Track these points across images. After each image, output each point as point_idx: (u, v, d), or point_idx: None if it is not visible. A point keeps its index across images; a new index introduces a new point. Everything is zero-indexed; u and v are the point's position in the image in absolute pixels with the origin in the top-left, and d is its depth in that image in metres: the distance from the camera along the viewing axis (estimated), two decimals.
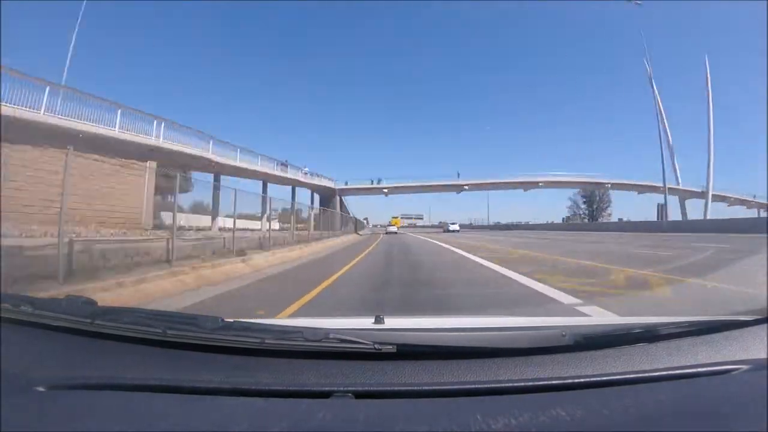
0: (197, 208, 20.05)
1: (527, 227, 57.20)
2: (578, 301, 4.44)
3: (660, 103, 39.40)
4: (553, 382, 0.96)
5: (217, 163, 23.02)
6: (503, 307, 4.45)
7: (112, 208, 10.50)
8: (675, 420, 0.80)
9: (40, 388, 0.92)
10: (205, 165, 22.65)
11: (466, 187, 48.54)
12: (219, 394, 0.92)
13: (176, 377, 0.99)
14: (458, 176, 48.33)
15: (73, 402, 0.90)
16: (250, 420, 0.81)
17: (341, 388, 0.92)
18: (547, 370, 1.03)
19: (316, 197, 42.71)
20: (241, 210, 15.15)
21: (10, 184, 7.24)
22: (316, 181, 39.47)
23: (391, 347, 1.06)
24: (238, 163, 25.59)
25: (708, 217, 36.94)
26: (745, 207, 53.47)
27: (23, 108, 13.13)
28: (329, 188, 42.89)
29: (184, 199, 16.56)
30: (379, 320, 1.42)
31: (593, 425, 0.77)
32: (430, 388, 0.95)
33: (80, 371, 1.03)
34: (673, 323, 1.29)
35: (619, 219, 52.10)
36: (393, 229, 44.73)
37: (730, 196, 50.45)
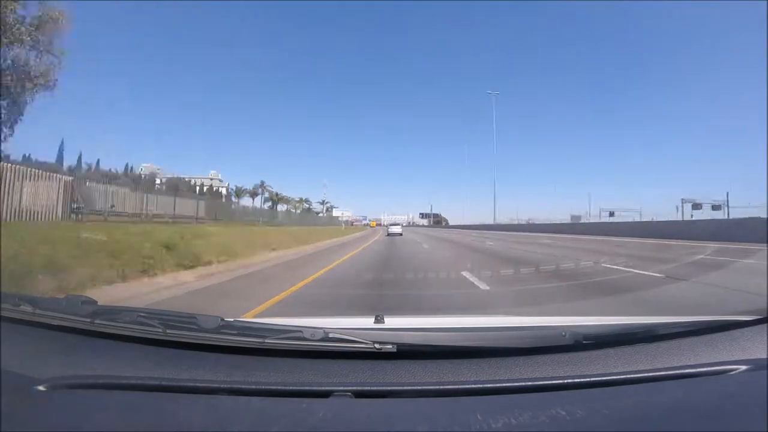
0: None
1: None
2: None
3: None
4: (553, 381, 0.96)
5: None
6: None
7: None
8: (675, 420, 0.80)
9: (41, 388, 0.92)
10: None
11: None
12: (219, 394, 0.91)
13: (176, 377, 0.99)
14: None
15: (73, 401, 0.90)
16: (250, 419, 0.81)
17: (341, 388, 0.92)
18: (547, 369, 1.03)
19: None
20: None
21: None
22: None
23: (391, 347, 1.06)
24: None
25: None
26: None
27: None
28: None
29: None
30: (379, 320, 1.42)
31: (593, 425, 0.77)
32: (430, 387, 0.95)
33: (80, 370, 1.03)
34: (673, 323, 1.29)
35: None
36: (396, 229, 29.97)
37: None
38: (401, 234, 28.25)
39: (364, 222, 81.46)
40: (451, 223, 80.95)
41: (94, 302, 1.30)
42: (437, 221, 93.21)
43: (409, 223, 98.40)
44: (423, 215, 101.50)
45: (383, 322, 1.41)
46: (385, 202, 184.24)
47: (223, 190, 63.06)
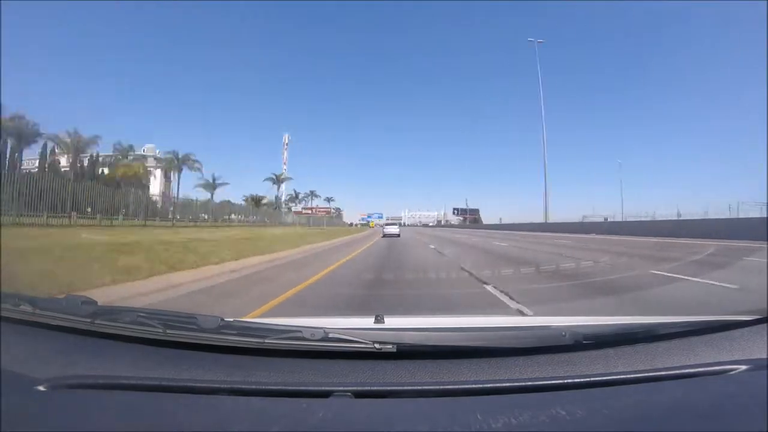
0: None
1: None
2: None
3: None
4: (553, 381, 0.96)
5: None
6: None
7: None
8: (675, 420, 0.80)
9: (41, 388, 0.92)
10: None
11: None
12: (218, 394, 0.92)
13: (176, 377, 0.99)
14: None
15: (73, 401, 0.90)
16: (250, 420, 0.81)
17: (341, 388, 0.92)
18: (547, 369, 1.03)
19: None
20: None
21: None
22: None
23: (390, 347, 1.06)
24: None
25: None
26: None
27: None
28: None
29: None
30: (378, 320, 1.42)
31: (593, 425, 0.77)
32: (430, 387, 0.95)
33: (80, 370, 1.03)
34: (673, 323, 1.30)
35: None
36: (392, 230, 26.07)
37: None
38: (398, 235, 24.77)
39: (360, 222, 66.64)
40: (494, 221, 60.41)
41: (94, 302, 1.30)
42: (473, 219, 73.28)
43: (439, 221, 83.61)
44: (457, 211, 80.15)
45: (383, 322, 1.40)
46: (414, 198, 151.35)
47: (156, 178, 40.22)
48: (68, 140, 32.30)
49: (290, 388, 0.94)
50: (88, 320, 1.17)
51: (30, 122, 31.03)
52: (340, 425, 0.79)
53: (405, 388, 0.95)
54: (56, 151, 34.86)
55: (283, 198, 48.69)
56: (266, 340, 1.09)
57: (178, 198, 30.30)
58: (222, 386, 0.94)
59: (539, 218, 37.69)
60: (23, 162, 32.19)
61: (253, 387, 0.94)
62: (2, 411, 0.79)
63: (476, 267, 7.53)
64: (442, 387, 0.95)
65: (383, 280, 6.43)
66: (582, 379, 0.97)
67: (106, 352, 1.13)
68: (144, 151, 41.96)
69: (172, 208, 25.13)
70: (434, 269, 7.62)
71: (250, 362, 1.07)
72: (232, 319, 1.18)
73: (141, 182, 34.36)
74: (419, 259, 10.13)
